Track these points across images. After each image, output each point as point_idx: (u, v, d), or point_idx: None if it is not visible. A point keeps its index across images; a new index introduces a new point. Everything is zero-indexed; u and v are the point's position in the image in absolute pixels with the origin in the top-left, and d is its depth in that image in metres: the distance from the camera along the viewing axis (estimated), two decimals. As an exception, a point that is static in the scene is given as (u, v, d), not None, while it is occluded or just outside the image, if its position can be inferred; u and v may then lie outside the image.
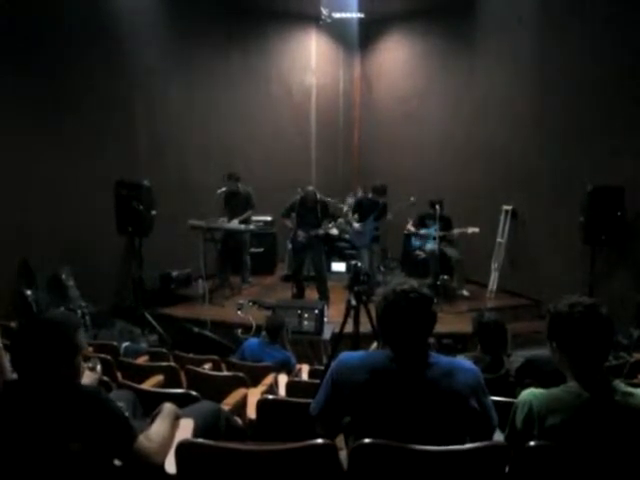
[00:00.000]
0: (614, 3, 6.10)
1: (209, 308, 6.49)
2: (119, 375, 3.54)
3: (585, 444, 1.78)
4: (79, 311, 6.17)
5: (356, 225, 7.20)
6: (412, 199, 7.25)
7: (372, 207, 7.19)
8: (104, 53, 6.72)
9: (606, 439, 1.78)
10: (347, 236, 7.76)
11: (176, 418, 2.34)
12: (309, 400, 2.19)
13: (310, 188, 7.20)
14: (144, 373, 3.60)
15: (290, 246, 7.68)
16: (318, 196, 7.05)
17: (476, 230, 7.16)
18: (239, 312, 6.54)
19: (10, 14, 5.72)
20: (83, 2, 6.35)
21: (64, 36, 6.24)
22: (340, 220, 7.26)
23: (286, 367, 4.28)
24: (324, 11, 9.07)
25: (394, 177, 8.55)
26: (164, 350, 4.76)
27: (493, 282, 7.76)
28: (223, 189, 7.25)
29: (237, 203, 7.56)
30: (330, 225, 6.96)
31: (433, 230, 7.32)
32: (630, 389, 1.85)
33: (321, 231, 6.90)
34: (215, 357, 4.32)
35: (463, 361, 2.15)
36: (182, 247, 7.36)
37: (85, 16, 6.38)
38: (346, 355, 2.12)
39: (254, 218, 8.00)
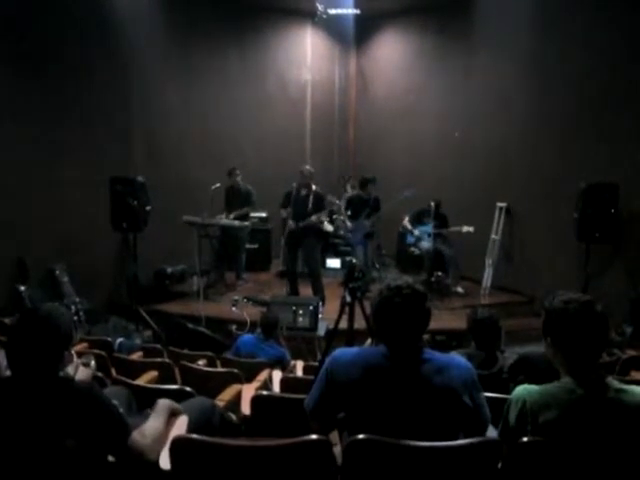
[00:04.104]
0: (614, 4, 6.11)
1: (204, 304, 6.47)
2: (113, 371, 3.54)
3: (578, 440, 1.79)
4: (73, 307, 6.16)
5: (349, 223, 7.19)
6: (406, 193, 7.23)
7: (363, 203, 7.18)
8: (102, 52, 6.70)
9: (599, 435, 1.79)
10: (342, 232, 7.75)
11: (173, 414, 2.34)
12: (303, 396, 2.20)
13: (306, 167, 6.90)
14: (138, 369, 3.61)
15: (283, 242, 7.67)
16: (314, 187, 6.82)
17: (470, 229, 7.17)
18: (234, 308, 6.54)
19: (10, 15, 5.69)
20: (82, 2, 6.32)
21: (62, 35, 6.22)
22: (336, 216, 7.23)
23: (280, 363, 4.29)
24: (320, 7, 9.06)
25: (390, 173, 8.56)
26: (158, 346, 4.76)
27: (487, 279, 7.78)
28: (217, 185, 7.22)
29: (237, 199, 7.56)
30: (323, 218, 6.81)
31: (428, 227, 7.34)
32: (623, 386, 1.86)
33: (314, 218, 6.64)
34: (210, 353, 4.32)
35: (457, 357, 2.16)
36: (177, 243, 7.34)
37: (83, 16, 6.36)
38: (340, 351, 2.12)
39: (250, 214, 8.00)
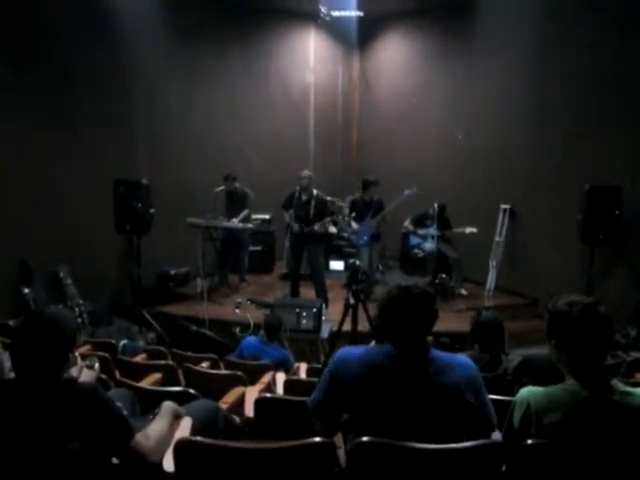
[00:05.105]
0: (614, 4, 6.10)
1: (207, 306, 6.48)
2: (117, 373, 3.53)
3: (583, 443, 1.78)
4: (77, 309, 6.17)
5: (354, 225, 7.19)
6: (407, 192, 7.20)
7: (367, 205, 7.19)
8: (104, 53, 6.71)
9: (604, 438, 1.78)
10: (346, 234, 7.75)
11: (177, 417, 2.34)
12: (307, 398, 2.20)
13: (305, 172, 6.86)
14: (142, 371, 3.61)
15: (288, 244, 7.67)
16: (315, 192, 6.82)
17: (474, 230, 7.17)
18: (237, 310, 6.54)
19: (12, 15, 5.71)
20: (83, 3, 6.34)
21: (65, 36, 6.24)
22: (339, 218, 7.21)
23: (284, 365, 4.28)
24: (323, 9, 9.07)
25: (393, 175, 8.54)
26: (162, 348, 4.76)
27: (491, 281, 7.77)
28: (221, 187, 7.29)
29: (235, 203, 7.57)
30: (327, 220, 6.77)
31: (432, 229, 7.34)
32: (628, 388, 1.86)
33: (317, 227, 6.63)
34: (213, 355, 4.32)
35: (460, 357, 2.15)
36: (180, 245, 7.36)
37: (86, 16, 6.37)
38: (345, 350, 2.13)
39: (253, 216, 8.03)
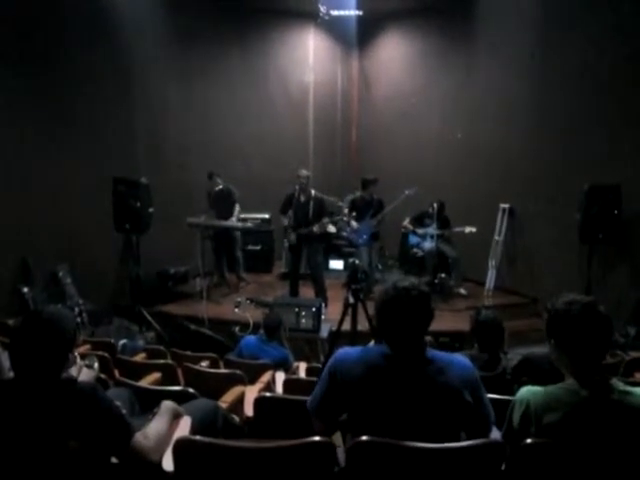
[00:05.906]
0: (614, 4, 6.10)
1: (207, 305, 6.48)
2: (116, 373, 3.54)
3: (582, 442, 1.78)
4: (76, 309, 6.16)
5: (354, 224, 7.19)
6: (408, 191, 7.21)
7: (367, 205, 7.19)
8: (104, 52, 6.70)
9: (603, 437, 1.78)
10: (345, 234, 7.76)
11: (176, 416, 2.34)
12: (306, 398, 2.20)
13: (303, 171, 6.79)
14: (141, 371, 3.61)
15: (287, 244, 7.68)
16: (313, 192, 6.78)
17: (473, 230, 7.17)
18: (237, 310, 6.55)
19: (11, 16, 5.70)
20: (83, 2, 6.33)
21: (64, 36, 6.23)
22: (338, 218, 7.21)
23: (284, 365, 4.29)
24: (322, 8, 9.07)
25: (392, 174, 8.55)
26: (161, 348, 4.76)
27: (490, 280, 7.77)
28: (220, 187, 7.29)
29: (221, 200, 7.57)
30: (326, 221, 6.77)
31: (431, 228, 7.34)
32: (628, 387, 1.86)
33: (315, 228, 6.58)
34: (212, 355, 4.32)
35: (459, 357, 2.15)
36: (180, 245, 7.35)
37: (85, 16, 6.37)
38: (344, 351, 2.12)
39: (253, 216, 8.01)
